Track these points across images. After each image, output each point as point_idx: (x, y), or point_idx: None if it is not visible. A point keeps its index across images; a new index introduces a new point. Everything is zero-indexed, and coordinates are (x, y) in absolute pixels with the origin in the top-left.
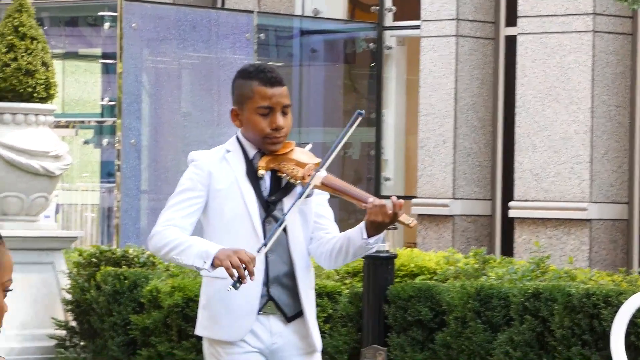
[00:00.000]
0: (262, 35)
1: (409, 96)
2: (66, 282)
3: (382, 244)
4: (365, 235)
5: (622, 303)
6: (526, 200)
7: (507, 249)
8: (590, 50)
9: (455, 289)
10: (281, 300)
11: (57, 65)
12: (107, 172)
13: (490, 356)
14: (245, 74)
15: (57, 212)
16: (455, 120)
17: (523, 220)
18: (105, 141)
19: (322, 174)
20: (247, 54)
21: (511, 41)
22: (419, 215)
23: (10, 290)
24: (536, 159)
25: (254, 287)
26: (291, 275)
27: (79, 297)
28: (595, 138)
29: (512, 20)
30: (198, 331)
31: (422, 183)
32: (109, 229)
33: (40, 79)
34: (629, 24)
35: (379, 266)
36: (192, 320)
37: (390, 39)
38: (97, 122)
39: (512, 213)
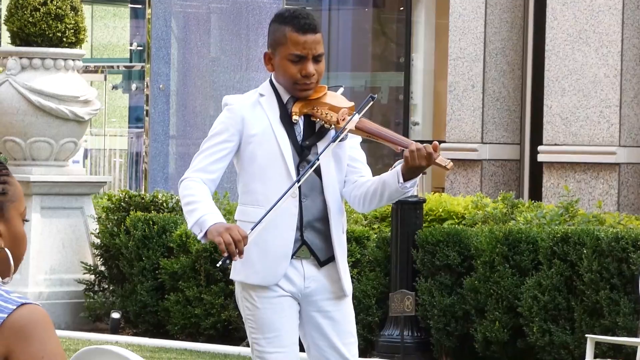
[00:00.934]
0: None
1: (438, 40)
2: (95, 227)
3: None
4: (401, 180)
5: None
6: (555, 145)
7: (536, 194)
8: None
9: (483, 233)
10: (314, 244)
11: (86, 9)
12: (136, 117)
13: (518, 300)
14: (280, 18)
15: (85, 157)
16: (484, 64)
17: (551, 164)
18: (133, 86)
19: (356, 118)
20: None
21: None
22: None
23: (27, 220)
24: (565, 103)
25: (288, 232)
26: (324, 219)
27: (108, 242)
28: (625, 82)
29: None
30: (232, 276)
31: (450, 127)
32: (137, 174)
33: (70, 24)
34: None
35: (407, 211)
36: None
37: None
38: (126, 67)
39: (540, 157)
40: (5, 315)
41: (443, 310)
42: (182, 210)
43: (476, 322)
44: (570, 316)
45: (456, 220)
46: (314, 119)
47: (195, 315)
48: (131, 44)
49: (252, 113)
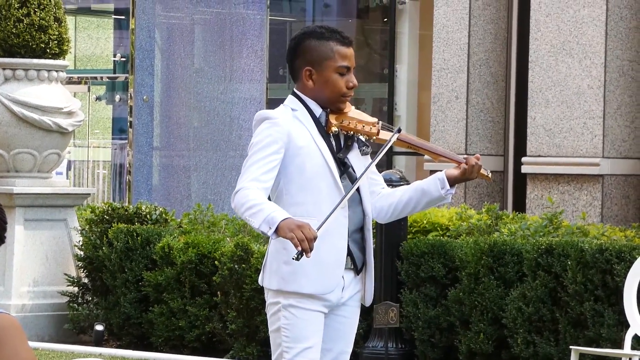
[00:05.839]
0: None
1: (422, 51)
2: (78, 239)
3: None
4: (448, 186)
5: (634, 258)
6: (539, 156)
7: (520, 205)
8: (604, 5)
9: (468, 245)
10: (355, 254)
11: (69, 20)
12: (119, 129)
13: (503, 312)
14: (318, 35)
15: (69, 168)
16: (468, 75)
17: (535, 176)
18: (117, 97)
19: (396, 130)
20: (259, 10)
21: None
22: (431, 171)
23: None
24: (549, 114)
25: (340, 241)
26: (361, 229)
27: (91, 254)
28: (608, 93)
29: None
30: (281, 286)
31: (434, 139)
32: (121, 185)
33: (53, 35)
34: None
35: (391, 222)
36: (205, 276)
37: None
38: (110, 78)
39: (524, 169)
40: None
41: (427, 321)
42: (165, 222)
43: (461, 334)
44: (555, 328)
45: (440, 232)
46: (346, 131)
47: (180, 327)
48: (115, 55)
49: (294, 126)
